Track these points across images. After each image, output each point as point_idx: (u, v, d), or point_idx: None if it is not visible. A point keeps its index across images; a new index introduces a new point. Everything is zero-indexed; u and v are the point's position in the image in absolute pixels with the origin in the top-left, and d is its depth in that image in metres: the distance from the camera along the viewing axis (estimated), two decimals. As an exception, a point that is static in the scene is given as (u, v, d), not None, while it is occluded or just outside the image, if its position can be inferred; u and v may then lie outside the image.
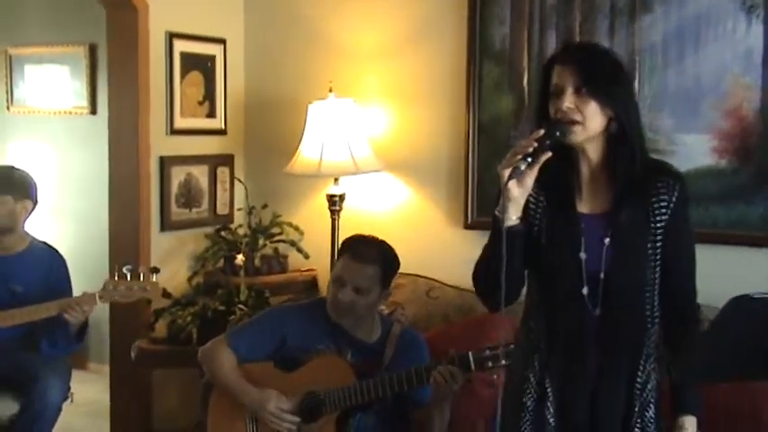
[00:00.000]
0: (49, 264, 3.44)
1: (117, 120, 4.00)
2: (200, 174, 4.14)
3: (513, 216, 1.87)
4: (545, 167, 1.86)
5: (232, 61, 4.24)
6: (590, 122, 1.88)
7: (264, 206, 4.08)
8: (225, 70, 4.21)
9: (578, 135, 1.89)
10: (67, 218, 5.58)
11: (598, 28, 3.36)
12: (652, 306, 1.96)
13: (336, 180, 3.75)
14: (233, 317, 3.58)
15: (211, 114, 4.18)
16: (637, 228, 1.92)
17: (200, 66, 4.12)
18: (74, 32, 5.49)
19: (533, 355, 1.99)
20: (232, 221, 4.22)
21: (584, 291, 1.92)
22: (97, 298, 3.16)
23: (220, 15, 4.22)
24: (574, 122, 1.88)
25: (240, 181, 4.24)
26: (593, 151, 1.94)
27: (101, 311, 3.52)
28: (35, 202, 3.44)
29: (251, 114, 4.32)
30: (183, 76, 4.03)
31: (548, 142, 1.83)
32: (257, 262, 3.94)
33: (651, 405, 1.95)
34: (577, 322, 1.93)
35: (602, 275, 1.91)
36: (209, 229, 4.14)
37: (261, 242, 3.96)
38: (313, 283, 4.03)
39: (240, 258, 3.91)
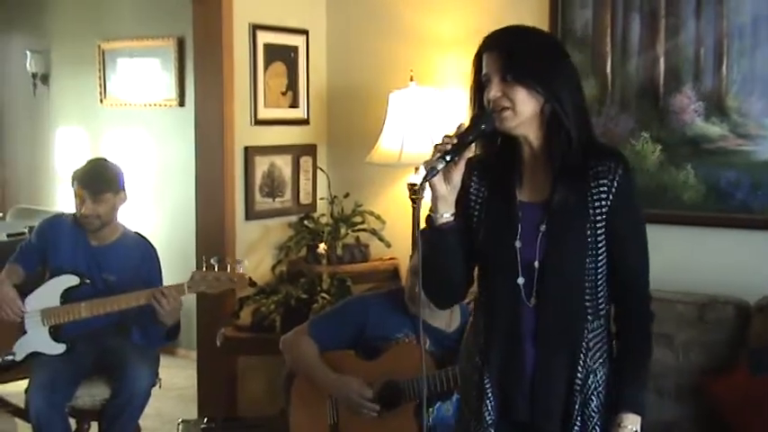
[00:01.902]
0: (141, 253, 3.51)
1: (203, 111, 4.08)
2: (284, 163, 4.19)
3: (444, 213, 1.83)
4: (487, 157, 1.84)
5: (314, 52, 4.28)
6: (521, 107, 1.81)
7: (346, 195, 4.11)
8: (307, 61, 4.25)
9: (509, 121, 1.82)
10: (158, 208, 5.74)
11: (684, 10, 3.26)
12: (595, 297, 1.87)
13: (417, 169, 3.75)
14: (316, 305, 3.62)
15: (294, 104, 4.23)
16: (573, 214, 1.84)
17: (284, 56, 4.17)
18: (163, 26, 5.64)
19: (475, 351, 1.94)
20: (315, 211, 4.27)
21: (520, 281, 1.86)
22: (186, 288, 3.22)
23: (303, 6, 4.26)
24: (504, 109, 1.81)
25: (322, 170, 4.28)
26: (534, 136, 1.86)
27: (188, 298, 3.60)
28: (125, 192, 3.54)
29: (333, 104, 4.35)
30: (266, 67, 4.09)
31: (470, 137, 1.79)
32: (339, 251, 3.97)
33: (594, 398, 1.86)
34: (513, 315, 1.87)
35: (536, 264, 1.85)
36: (293, 219, 4.19)
37: (343, 231, 3.98)
38: (394, 272, 4.04)
39: (322, 247, 3.94)
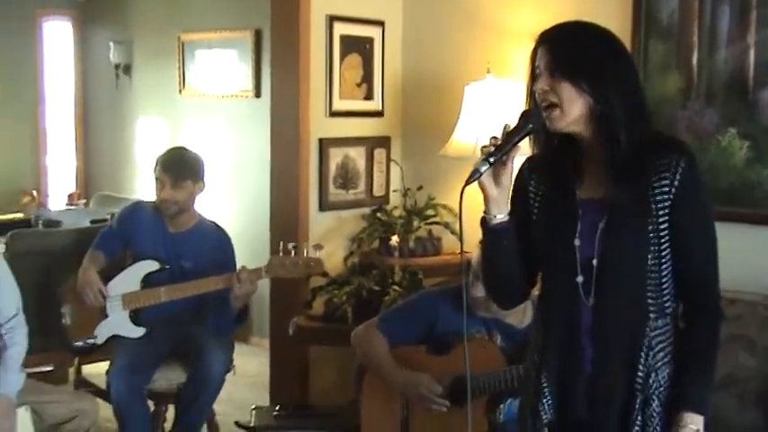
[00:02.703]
0: (216, 241, 3.57)
1: (279, 102, 4.11)
2: (358, 155, 4.20)
3: (496, 215, 1.83)
4: (546, 154, 1.84)
5: (390, 43, 4.26)
6: (568, 105, 1.78)
7: (420, 188, 4.09)
8: (383, 52, 4.24)
9: (558, 121, 1.80)
10: (233, 197, 5.83)
11: (778, 0, 3.13)
12: (659, 295, 1.82)
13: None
14: (387, 297, 3.61)
15: (369, 96, 4.22)
16: (633, 210, 1.79)
17: (359, 48, 4.16)
18: (241, 18, 5.71)
19: (534, 349, 1.93)
20: (388, 203, 4.26)
21: (579, 279, 1.83)
22: (263, 272, 3.27)
23: (379, -3, 4.25)
24: (553, 106, 1.79)
25: (396, 163, 4.27)
26: (589, 134, 1.83)
27: (263, 288, 3.64)
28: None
29: (408, 96, 4.33)
30: (342, 58, 4.09)
31: (517, 137, 1.77)
32: (412, 243, 3.96)
33: (655, 398, 1.81)
34: (572, 313, 1.85)
35: (595, 262, 1.81)
36: (366, 210, 4.19)
37: (415, 224, 3.97)
38: (466, 266, 4.00)
39: (395, 240, 3.94)
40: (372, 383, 2.97)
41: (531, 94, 1.86)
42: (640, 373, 1.81)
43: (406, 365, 2.87)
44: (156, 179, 3.49)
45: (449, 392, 2.81)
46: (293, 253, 3.24)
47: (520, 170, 1.97)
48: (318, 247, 3.27)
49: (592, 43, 1.84)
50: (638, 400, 1.81)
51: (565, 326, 1.87)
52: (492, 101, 3.63)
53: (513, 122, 1.82)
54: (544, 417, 1.88)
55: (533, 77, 1.85)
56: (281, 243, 3.29)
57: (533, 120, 1.81)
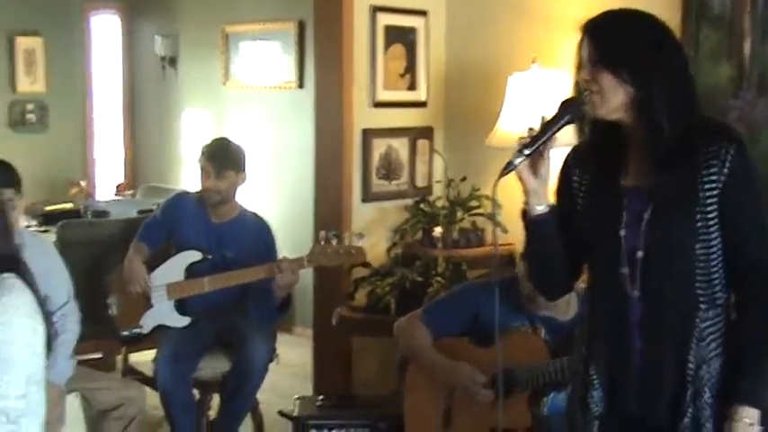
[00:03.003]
0: (258, 231, 3.60)
1: (322, 93, 4.12)
2: (401, 146, 4.18)
3: (536, 206, 1.83)
4: (591, 143, 1.83)
5: (433, 33, 4.24)
6: (608, 93, 1.76)
7: (463, 179, 4.06)
8: (426, 42, 4.21)
9: (599, 107, 1.78)
10: (276, 187, 5.86)
11: (835, -14, 3.04)
12: (709, 286, 1.78)
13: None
14: (430, 288, 3.60)
15: (412, 87, 4.21)
16: (680, 199, 1.75)
17: (403, 38, 4.14)
18: (284, 9, 5.72)
19: (582, 341, 1.92)
20: (431, 194, 4.24)
21: (625, 271, 1.80)
22: (305, 261, 3.28)
23: (423, -13, 4.23)
24: (593, 93, 1.77)
25: (439, 153, 4.25)
26: (631, 121, 1.80)
27: (306, 278, 3.65)
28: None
29: (451, 86, 4.30)
30: (386, 49, 4.08)
31: (555, 127, 1.76)
32: (455, 235, 3.93)
33: (706, 389, 1.77)
34: (618, 305, 1.83)
35: (639, 253, 1.78)
36: (409, 201, 4.18)
37: (459, 215, 3.94)
38: (511, 258, 3.95)
39: (438, 231, 3.92)
40: (415, 375, 2.96)
41: (576, 84, 1.85)
42: (691, 365, 1.78)
43: (449, 357, 2.86)
44: (201, 169, 3.53)
45: (493, 385, 2.80)
46: (334, 241, 3.25)
47: (565, 160, 1.95)
48: (360, 235, 3.28)
49: (635, 32, 1.81)
50: (689, 392, 1.79)
51: (612, 318, 1.85)
52: (537, 90, 3.59)
53: (552, 114, 1.81)
54: (594, 409, 1.87)
55: (579, 68, 1.83)
56: (323, 232, 3.30)
57: (571, 110, 1.79)
